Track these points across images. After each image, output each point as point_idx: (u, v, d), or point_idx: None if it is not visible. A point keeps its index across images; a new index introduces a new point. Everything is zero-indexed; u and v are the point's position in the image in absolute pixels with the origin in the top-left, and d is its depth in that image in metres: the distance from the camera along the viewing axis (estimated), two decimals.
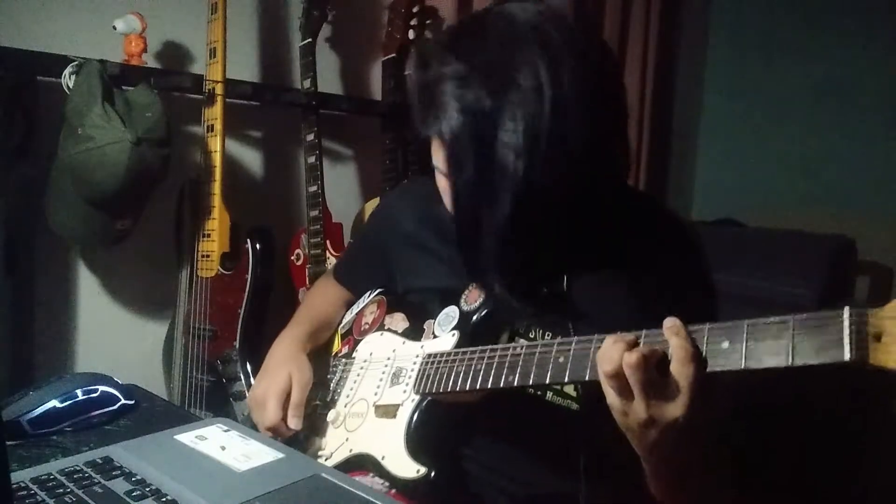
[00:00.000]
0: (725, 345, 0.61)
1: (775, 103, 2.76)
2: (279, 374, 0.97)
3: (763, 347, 0.59)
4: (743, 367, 0.60)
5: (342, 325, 1.11)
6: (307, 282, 1.75)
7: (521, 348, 0.76)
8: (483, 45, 0.75)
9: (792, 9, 2.70)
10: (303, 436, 1.00)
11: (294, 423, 0.94)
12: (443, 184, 0.83)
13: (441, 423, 0.85)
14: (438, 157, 0.80)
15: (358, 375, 0.98)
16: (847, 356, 0.53)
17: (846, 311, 0.55)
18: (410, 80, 0.81)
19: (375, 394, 0.92)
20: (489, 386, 0.76)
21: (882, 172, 2.50)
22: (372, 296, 1.05)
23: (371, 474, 0.86)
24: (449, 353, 0.84)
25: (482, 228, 0.78)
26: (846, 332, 0.54)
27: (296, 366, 0.99)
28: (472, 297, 0.87)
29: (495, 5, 0.79)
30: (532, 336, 0.85)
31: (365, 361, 0.98)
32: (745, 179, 2.86)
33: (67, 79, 1.37)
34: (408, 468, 0.81)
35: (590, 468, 0.81)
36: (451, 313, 0.89)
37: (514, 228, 0.75)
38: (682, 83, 2.96)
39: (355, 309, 1.08)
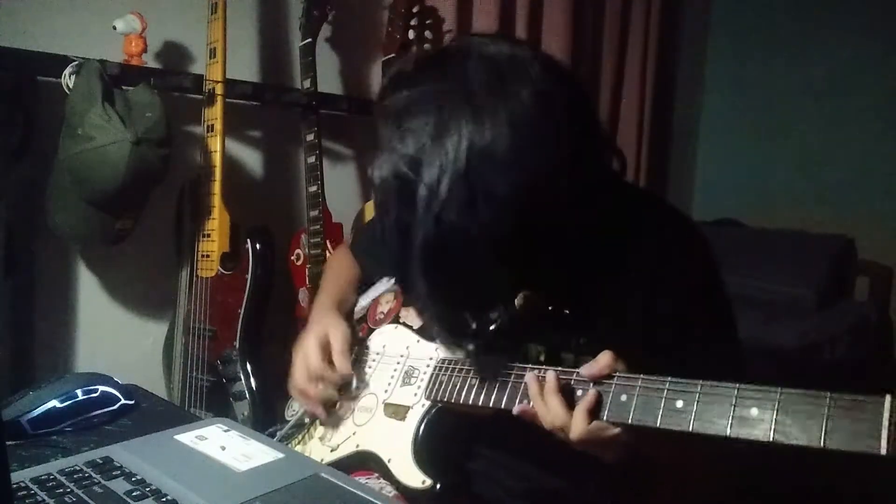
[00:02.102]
0: (754, 412, 0.57)
1: (775, 103, 2.76)
2: (314, 330, 0.96)
3: (794, 422, 0.55)
4: (771, 439, 0.56)
5: (357, 309, 1.10)
6: (307, 282, 1.75)
7: (540, 371, 0.74)
8: (416, 111, 0.72)
9: (792, 9, 2.71)
10: (308, 421, 1.00)
11: (343, 366, 0.92)
12: None
13: (450, 432, 0.85)
14: None
15: (370, 368, 0.97)
16: (884, 450, 0.50)
17: (887, 400, 0.51)
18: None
19: (386, 391, 0.91)
20: (502, 406, 0.75)
21: (882, 172, 2.50)
22: (389, 284, 1.04)
23: (377, 475, 0.86)
24: (463, 362, 0.83)
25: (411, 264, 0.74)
26: (885, 422, 0.50)
27: (330, 320, 0.98)
28: None
29: (451, 42, 0.79)
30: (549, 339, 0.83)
31: (378, 354, 0.97)
32: (745, 179, 2.87)
33: (67, 79, 1.37)
34: (413, 477, 0.80)
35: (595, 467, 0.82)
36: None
37: (440, 267, 0.72)
38: (682, 83, 2.96)
39: (371, 295, 1.06)
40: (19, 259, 1.42)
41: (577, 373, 0.71)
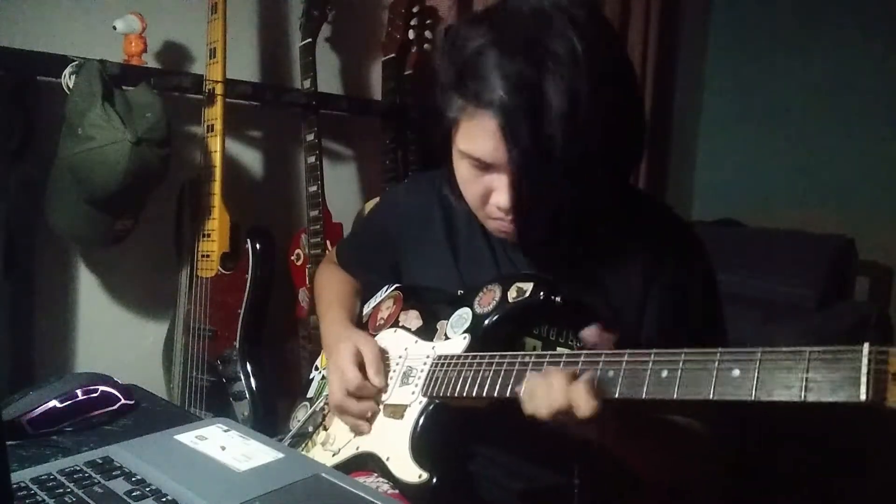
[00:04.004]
0: (736, 373, 0.59)
1: (775, 103, 2.76)
2: (344, 345, 0.94)
3: (775, 379, 0.56)
4: (753, 398, 0.57)
5: (360, 316, 1.10)
6: (307, 282, 1.75)
7: (530, 358, 0.75)
8: (515, 21, 0.76)
9: (792, 9, 2.70)
10: (311, 429, 1.00)
11: (378, 379, 0.90)
12: (466, 173, 0.82)
13: (447, 428, 0.85)
14: (476, 143, 0.78)
15: None
16: (863, 396, 0.51)
17: (865, 347, 0.52)
18: (442, 62, 0.80)
19: (385, 392, 0.91)
20: (495, 395, 0.76)
21: (882, 172, 2.50)
22: (389, 291, 1.04)
23: (376, 475, 0.86)
24: (459, 357, 0.83)
25: (538, 201, 0.78)
26: (864, 369, 0.51)
27: (357, 334, 0.97)
28: (486, 300, 0.86)
29: None
30: (544, 335, 0.84)
31: None
32: (745, 179, 2.86)
33: (67, 79, 1.37)
34: (410, 472, 0.80)
35: (583, 462, 0.82)
36: (464, 315, 0.88)
37: (565, 199, 0.77)
38: (682, 83, 2.96)
39: (372, 303, 1.07)
40: (19, 259, 1.42)
41: (579, 336, 0.74)
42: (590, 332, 0.74)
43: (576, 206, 0.79)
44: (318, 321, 1.68)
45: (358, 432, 0.91)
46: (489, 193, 0.81)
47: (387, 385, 0.91)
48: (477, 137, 0.77)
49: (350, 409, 0.90)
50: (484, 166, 0.79)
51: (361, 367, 0.91)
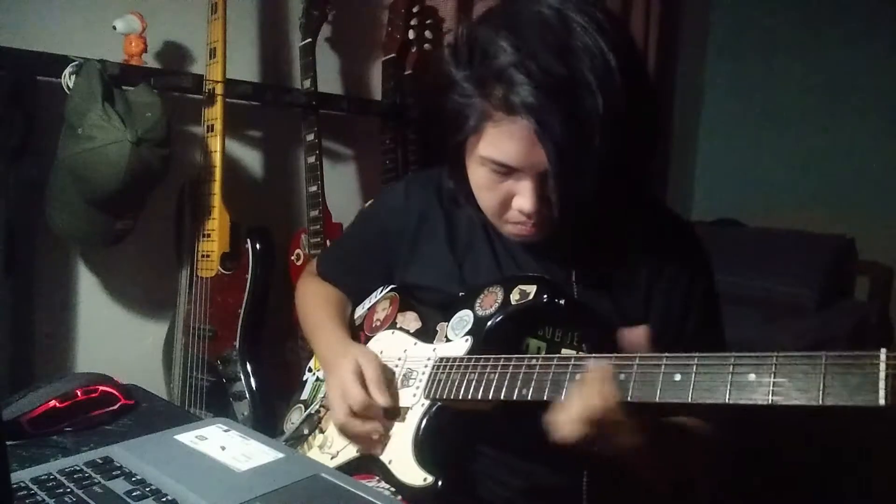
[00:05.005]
0: (752, 377, 0.59)
1: (775, 103, 2.77)
2: (345, 362, 0.90)
3: (792, 383, 0.56)
4: (770, 402, 0.56)
5: (353, 319, 1.08)
6: None
7: (537, 360, 0.75)
8: (536, 23, 0.75)
9: (792, 9, 2.71)
10: (308, 432, 0.99)
11: (383, 398, 0.85)
12: (485, 179, 0.81)
13: (450, 430, 0.84)
14: (503, 149, 0.77)
15: None
16: (882, 401, 0.51)
17: (883, 353, 0.52)
18: (458, 70, 0.79)
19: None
20: (501, 397, 0.75)
21: (882, 172, 2.50)
22: (384, 292, 1.03)
23: (377, 478, 0.85)
24: (461, 359, 0.83)
25: (567, 203, 0.77)
26: (882, 374, 0.51)
27: (356, 350, 0.93)
28: (488, 302, 0.85)
29: None
30: (549, 336, 0.84)
31: None
32: (745, 179, 2.87)
33: (67, 79, 1.37)
34: (414, 476, 0.80)
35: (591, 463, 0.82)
36: (465, 317, 0.87)
37: (592, 199, 0.75)
38: (682, 83, 2.96)
39: (367, 304, 1.06)
40: (19, 259, 1.42)
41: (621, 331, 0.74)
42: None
43: (598, 207, 0.78)
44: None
45: (366, 450, 0.88)
46: (510, 199, 0.81)
47: (392, 400, 0.88)
48: (504, 143, 0.76)
49: (355, 430, 0.87)
50: (506, 171, 0.79)
51: (363, 384, 0.87)
